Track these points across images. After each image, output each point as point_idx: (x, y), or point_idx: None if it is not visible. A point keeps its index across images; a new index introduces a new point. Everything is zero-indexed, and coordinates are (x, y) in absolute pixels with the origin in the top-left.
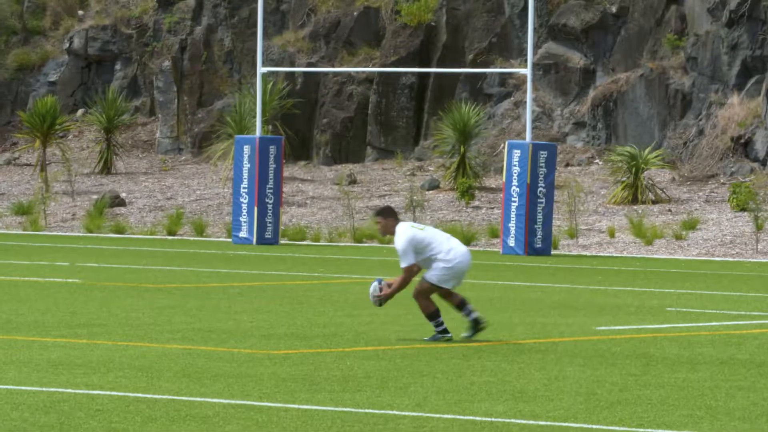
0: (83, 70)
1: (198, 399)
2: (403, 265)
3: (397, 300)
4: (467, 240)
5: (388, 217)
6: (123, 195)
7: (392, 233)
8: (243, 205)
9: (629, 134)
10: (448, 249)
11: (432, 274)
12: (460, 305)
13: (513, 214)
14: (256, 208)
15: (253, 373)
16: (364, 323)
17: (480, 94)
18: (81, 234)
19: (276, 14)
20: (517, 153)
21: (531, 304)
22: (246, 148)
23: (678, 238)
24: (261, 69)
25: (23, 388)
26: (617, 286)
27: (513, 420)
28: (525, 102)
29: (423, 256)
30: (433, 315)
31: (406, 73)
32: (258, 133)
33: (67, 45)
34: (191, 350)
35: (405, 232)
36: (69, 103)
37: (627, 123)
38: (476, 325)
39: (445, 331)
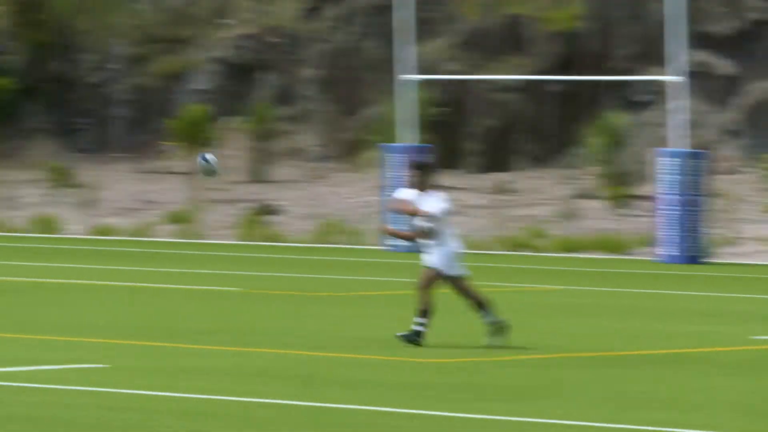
0: (230, 79)
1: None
2: (428, 215)
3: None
4: (619, 248)
5: (429, 175)
6: (275, 203)
7: (423, 191)
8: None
9: None
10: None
11: (436, 260)
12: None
13: (665, 222)
14: None
15: (424, 382)
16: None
17: (629, 101)
18: (235, 242)
19: (425, 22)
20: (668, 161)
21: (685, 313)
22: (394, 156)
23: None
24: (409, 77)
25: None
26: None
27: (666, 429)
28: (675, 109)
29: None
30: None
31: (554, 81)
32: (407, 141)
33: (214, 53)
34: (358, 359)
35: (446, 201)
36: (217, 111)
37: None
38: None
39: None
